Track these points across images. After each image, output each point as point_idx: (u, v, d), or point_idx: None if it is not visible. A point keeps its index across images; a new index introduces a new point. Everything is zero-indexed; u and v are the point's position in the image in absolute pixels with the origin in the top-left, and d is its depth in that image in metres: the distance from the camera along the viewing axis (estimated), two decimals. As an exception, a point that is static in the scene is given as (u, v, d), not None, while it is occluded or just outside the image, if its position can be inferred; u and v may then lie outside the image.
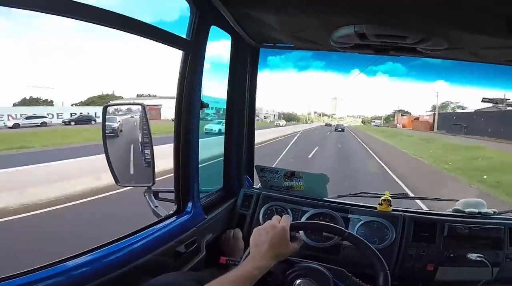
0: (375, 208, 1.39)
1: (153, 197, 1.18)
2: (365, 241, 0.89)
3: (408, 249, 1.28)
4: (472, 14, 0.79)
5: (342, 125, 35.44)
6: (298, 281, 0.80)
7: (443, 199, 1.64)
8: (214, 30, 1.11)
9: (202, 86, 1.07)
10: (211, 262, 1.08)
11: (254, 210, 1.46)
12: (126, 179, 1.15)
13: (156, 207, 1.14)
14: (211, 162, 1.61)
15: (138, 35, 0.84)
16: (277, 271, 0.82)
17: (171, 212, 1.09)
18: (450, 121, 25.84)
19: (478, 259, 1.20)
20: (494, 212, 1.36)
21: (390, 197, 1.38)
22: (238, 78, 1.47)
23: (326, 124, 38.11)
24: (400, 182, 7.82)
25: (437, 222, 1.31)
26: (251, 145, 1.65)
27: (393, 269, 1.26)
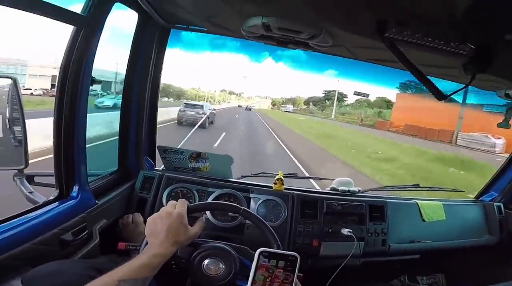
0: (271, 187, 1.53)
1: (26, 181, 1.03)
2: (257, 215, 0.94)
3: (298, 226, 1.44)
4: (350, 15, 0.92)
5: (251, 106, 47.17)
6: (206, 262, 0.81)
7: (323, 178, 1.92)
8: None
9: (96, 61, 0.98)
10: (108, 249, 1.02)
11: (156, 193, 1.41)
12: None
13: (31, 193, 1.00)
14: (103, 141, 1.47)
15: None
16: (183, 254, 0.82)
17: (51, 198, 0.97)
18: None
19: (349, 234, 1.42)
20: (359, 190, 1.65)
21: (283, 176, 1.53)
22: (142, 57, 1.37)
23: (239, 106, 46.42)
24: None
25: (318, 199, 1.50)
26: (152, 125, 1.56)
27: (287, 246, 1.41)
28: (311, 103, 55.52)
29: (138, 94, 1.41)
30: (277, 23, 1.04)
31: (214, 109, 17.35)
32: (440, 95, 0.89)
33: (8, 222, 0.79)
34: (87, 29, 0.91)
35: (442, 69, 1.22)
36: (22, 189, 1.01)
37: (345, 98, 47.31)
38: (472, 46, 0.85)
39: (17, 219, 0.81)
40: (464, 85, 1.04)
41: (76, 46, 0.90)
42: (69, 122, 0.94)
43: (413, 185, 1.79)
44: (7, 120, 0.94)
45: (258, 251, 0.67)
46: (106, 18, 0.96)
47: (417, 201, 1.68)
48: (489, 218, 1.79)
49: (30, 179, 1.06)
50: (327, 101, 50.33)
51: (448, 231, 1.67)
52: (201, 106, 14.11)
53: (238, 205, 0.92)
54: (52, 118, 0.94)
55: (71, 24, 0.88)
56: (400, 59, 0.88)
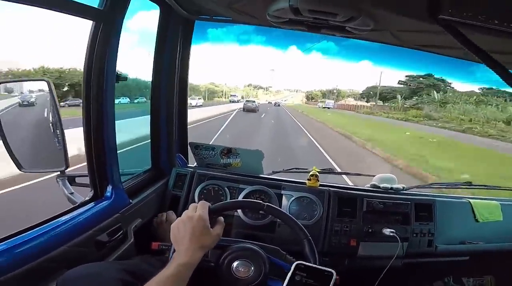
0: (305, 183, 1.45)
1: (67, 182, 1.06)
2: (282, 210, 0.90)
3: (334, 225, 1.37)
4: None
5: (279, 102, 47.50)
6: (235, 264, 0.80)
7: (363, 174, 1.78)
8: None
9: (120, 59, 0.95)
10: (142, 249, 1.02)
11: (188, 191, 1.40)
12: (32, 164, 1.00)
13: (71, 193, 1.03)
14: (139, 143, 1.50)
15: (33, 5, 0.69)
16: (212, 258, 0.82)
17: (87, 198, 0.98)
18: None
19: (391, 234, 1.32)
20: (403, 188, 1.52)
21: (318, 172, 1.45)
22: (167, 53, 1.34)
23: (269, 102, 46.88)
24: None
25: (357, 197, 1.41)
26: (183, 122, 1.55)
27: (322, 245, 1.35)
28: (399, 97, 32.20)
29: (166, 92, 1.39)
30: (307, 5, 0.92)
31: (259, 103, 29.70)
32: None
33: (44, 225, 0.80)
34: (106, 23, 0.88)
35: (507, 56, 1.04)
36: (64, 190, 1.04)
37: (448, 86, 29.46)
38: None
39: (53, 221, 0.83)
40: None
41: (97, 42, 0.88)
42: (97, 122, 0.93)
43: (465, 182, 1.63)
44: (50, 124, 0.97)
45: (294, 264, 0.67)
46: (126, 10, 0.93)
47: (470, 200, 1.52)
48: None
49: (71, 180, 1.09)
50: (434, 92, 29.26)
51: (504, 232, 1.51)
52: (254, 101, 27.80)
53: (260, 201, 0.89)
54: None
55: (88, 19, 0.86)
56: (464, 43, 0.72)
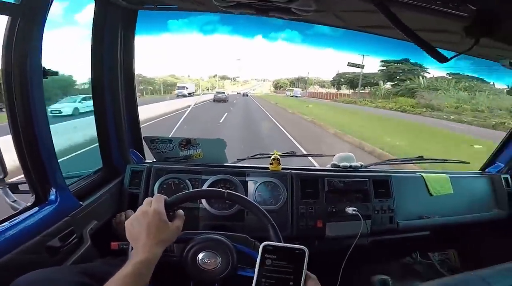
0: (268, 168, 1.46)
1: (9, 190, 0.96)
2: (243, 196, 0.86)
3: (299, 207, 1.39)
4: None
5: (247, 92, 46.83)
6: (200, 256, 0.77)
7: (324, 154, 1.82)
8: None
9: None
10: (104, 252, 0.97)
11: (146, 187, 1.35)
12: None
13: (14, 201, 0.94)
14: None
15: None
16: (177, 252, 0.78)
17: (29, 204, 0.91)
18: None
19: (354, 212, 1.37)
20: (361, 165, 1.58)
21: (279, 156, 1.46)
22: (107, 46, 1.24)
23: (238, 93, 45.15)
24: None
25: (318, 177, 1.44)
26: (133, 116, 1.47)
27: (291, 230, 1.36)
28: (382, 83, 29.16)
29: (110, 86, 1.29)
30: (250, -14, 0.91)
31: (228, 94, 29.69)
32: (442, 58, 0.79)
33: None
34: (25, 18, 0.80)
35: (441, 35, 1.09)
36: (5, 199, 0.95)
37: (426, 72, 26.75)
38: (474, 8, 0.74)
39: None
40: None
41: (15, 38, 0.79)
42: (26, 122, 0.85)
43: (416, 157, 1.71)
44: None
45: (261, 246, 0.60)
46: (49, 2, 0.84)
47: (422, 174, 1.61)
48: (497, 191, 1.72)
49: (14, 187, 1.00)
50: (420, 78, 26.28)
51: (456, 205, 1.62)
52: (224, 92, 27.83)
53: (220, 189, 0.84)
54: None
55: (2, 14, 0.77)
56: (394, 22, 0.77)
